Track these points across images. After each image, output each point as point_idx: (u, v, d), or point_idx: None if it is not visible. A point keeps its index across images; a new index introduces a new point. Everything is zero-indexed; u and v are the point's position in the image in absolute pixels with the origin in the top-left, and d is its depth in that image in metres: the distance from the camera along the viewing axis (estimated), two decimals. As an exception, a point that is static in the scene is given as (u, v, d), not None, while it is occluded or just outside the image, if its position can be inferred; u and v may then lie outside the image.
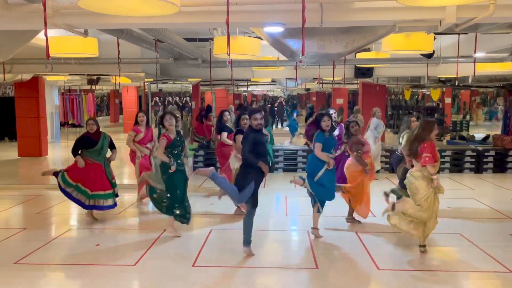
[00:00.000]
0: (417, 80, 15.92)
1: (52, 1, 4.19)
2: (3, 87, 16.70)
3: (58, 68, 9.02)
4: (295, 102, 32.73)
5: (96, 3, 3.50)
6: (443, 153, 10.37)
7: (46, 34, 3.86)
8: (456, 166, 10.56)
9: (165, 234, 5.82)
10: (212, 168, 5.06)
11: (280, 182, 9.32)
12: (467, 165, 10.54)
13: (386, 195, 5.87)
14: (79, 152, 6.34)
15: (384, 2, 4.29)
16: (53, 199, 7.93)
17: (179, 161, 5.69)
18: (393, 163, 6.86)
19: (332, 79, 10.34)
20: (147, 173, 6.28)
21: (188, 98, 19.79)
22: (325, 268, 4.86)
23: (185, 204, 5.79)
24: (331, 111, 9.03)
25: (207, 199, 7.92)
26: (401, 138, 6.50)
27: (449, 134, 16.55)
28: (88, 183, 6.31)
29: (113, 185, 6.52)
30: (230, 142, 7.34)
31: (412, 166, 5.27)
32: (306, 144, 10.17)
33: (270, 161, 8.05)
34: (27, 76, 12.26)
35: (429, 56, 8.38)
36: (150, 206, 7.58)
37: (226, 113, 7.86)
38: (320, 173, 5.57)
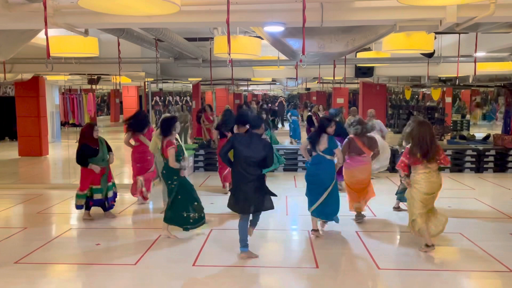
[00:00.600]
0: (417, 80, 15.91)
1: (52, 1, 4.19)
2: (4, 87, 16.69)
3: (58, 67, 9.01)
4: (294, 102, 32.62)
5: (97, 2, 3.50)
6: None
7: (46, 34, 3.86)
8: (457, 166, 10.55)
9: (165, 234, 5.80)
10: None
11: (280, 182, 9.32)
12: (468, 164, 10.54)
13: (396, 208, 6.10)
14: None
15: (385, 1, 4.29)
16: (54, 199, 7.93)
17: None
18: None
19: (332, 78, 10.33)
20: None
21: (188, 98, 19.78)
22: (325, 268, 4.85)
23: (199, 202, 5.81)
24: (331, 110, 9.05)
25: (209, 197, 7.92)
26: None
27: (449, 134, 16.56)
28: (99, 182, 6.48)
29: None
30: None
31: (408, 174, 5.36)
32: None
33: (278, 164, 8.08)
34: (27, 76, 12.26)
35: (430, 55, 8.37)
36: (150, 205, 7.59)
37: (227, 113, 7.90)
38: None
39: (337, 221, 5.88)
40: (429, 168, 5.15)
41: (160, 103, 20.75)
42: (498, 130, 15.81)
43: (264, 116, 9.77)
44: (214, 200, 7.60)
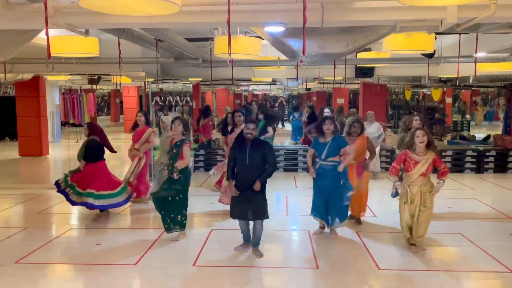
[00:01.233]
0: (418, 80, 15.90)
1: (53, 1, 4.19)
2: (4, 87, 16.71)
3: (59, 67, 9.01)
4: (294, 102, 32.62)
5: (97, 2, 3.49)
6: (444, 153, 10.37)
7: (47, 34, 3.86)
8: (457, 166, 10.55)
9: (166, 234, 5.80)
10: None
11: (280, 182, 9.32)
12: (468, 165, 10.54)
13: None
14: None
15: (385, 2, 4.28)
16: (54, 199, 7.93)
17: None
18: None
19: (332, 79, 10.32)
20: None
21: (188, 98, 19.78)
22: (325, 268, 4.86)
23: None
24: (326, 110, 9.01)
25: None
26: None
27: (450, 134, 16.55)
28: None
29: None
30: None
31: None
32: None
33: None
34: (28, 76, 12.26)
35: (430, 56, 8.36)
36: (151, 205, 7.58)
37: (230, 115, 7.86)
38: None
39: (338, 225, 5.81)
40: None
41: (160, 103, 20.76)
42: (498, 131, 15.80)
43: (262, 117, 9.72)
44: (214, 200, 7.59)
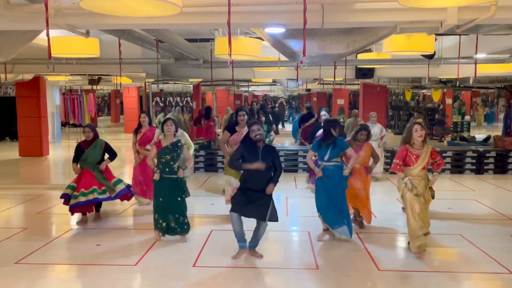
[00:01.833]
0: (418, 81, 15.95)
1: (54, 2, 4.20)
2: (5, 87, 16.74)
3: (59, 68, 9.03)
4: (295, 104, 32.64)
5: (98, 3, 3.50)
6: (444, 154, 10.37)
7: (48, 34, 3.88)
8: (457, 167, 10.55)
9: (166, 235, 5.79)
10: None
11: (280, 183, 9.29)
12: (468, 166, 10.54)
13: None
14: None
15: (385, 3, 4.29)
16: (54, 199, 7.93)
17: (167, 169, 5.53)
18: None
19: (333, 79, 10.35)
20: None
21: (189, 99, 19.79)
22: (325, 268, 4.86)
23: (170, 215, 5.64)
24: (322, 112, 9.00)
25: (208, 198, 7.92)
26: None
27: (449, 135, 16.55)
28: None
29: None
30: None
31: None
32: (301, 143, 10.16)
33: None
34: (28, 76, 12.29)
35: (430, 57, 8.38)
36: (151, 206, 7.58)
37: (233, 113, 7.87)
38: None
39: (344, 234, 5.67)
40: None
41: (160, 103, 20.77)
42: (498, 132, 15.81)
43: (263, 118, 9.73)
44: (214, 200, 7.60)
